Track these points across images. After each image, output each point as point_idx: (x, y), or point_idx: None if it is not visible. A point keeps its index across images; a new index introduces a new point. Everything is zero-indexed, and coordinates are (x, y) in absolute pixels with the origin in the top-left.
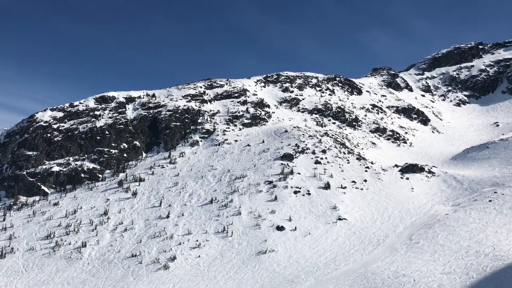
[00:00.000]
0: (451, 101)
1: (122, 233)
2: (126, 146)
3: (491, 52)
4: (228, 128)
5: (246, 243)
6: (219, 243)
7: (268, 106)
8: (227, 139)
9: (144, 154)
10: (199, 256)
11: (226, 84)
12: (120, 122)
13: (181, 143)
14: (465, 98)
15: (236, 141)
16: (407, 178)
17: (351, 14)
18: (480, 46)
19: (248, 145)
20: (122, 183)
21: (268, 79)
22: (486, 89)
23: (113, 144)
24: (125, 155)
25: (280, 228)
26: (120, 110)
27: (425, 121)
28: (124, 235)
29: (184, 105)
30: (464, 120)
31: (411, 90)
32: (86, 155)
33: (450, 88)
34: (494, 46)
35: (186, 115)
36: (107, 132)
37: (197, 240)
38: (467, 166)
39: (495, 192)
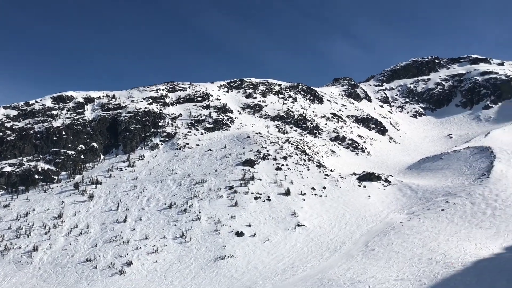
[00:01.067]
0: (408, 112)
1: (76, 236)
2: (83, 147)
3: (447, 67)
4: (190, 132)
5: (204, 248)
6: (177, 248)
7: (231, 111)
8: (188, 143)
9: (102, 156)
10: (156, 261)
11: (189, 87)
12: (78, 122)
13: (140, 146)
14: (421, 110)
15: (197, 145)
16: (365, 186)
17: (315, 23)
18: (436, 61)
19: (210, 149)
20: (78, 186)
21: (232, 84)
22: (441, 102)
23: (70, 145)
24: (82, 156)
25: (239, 234)
26: (78, 110)
27: (383, 131)
28: (78, 239)
29: (145, 108)
30: (420, 131)
31: (370, 100)
32: (41, 156)
33: (407, 100)
34: (449, 61)
35: (147, 117)
36: (64, 133)
37: (154, 245)
38: (422, 176)
39: (447, 202)
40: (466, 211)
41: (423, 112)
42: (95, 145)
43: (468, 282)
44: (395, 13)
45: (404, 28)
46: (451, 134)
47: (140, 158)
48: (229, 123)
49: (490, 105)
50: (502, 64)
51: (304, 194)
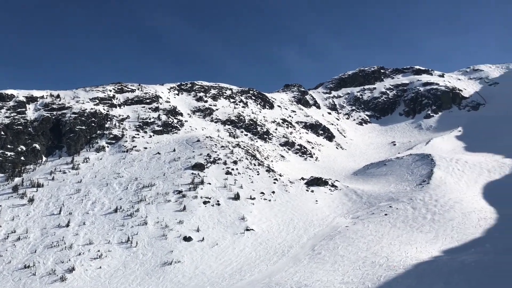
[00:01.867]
0: (354, 119)
1: (14, 242)
2: (24, 148)
3: (391, 77)
4: (138, 134)
5: (151, 254)
6: (123, 253)
7: (181, 114)
8: (136, 146)
9: (44, 158)
10: (100, 267)
11: (138, 89)
12: (19, 122)
13: (86, 148)
14: (367, 117)
15: (145, 148)
16: (312, 191)
17: (269, 30)
18: (382, 71)
19: (158, 153)
20: (18, 188)
21: (182, 87)
22: (385, 111)
23: (9, 146)
24: (22, 158)
25: (187, 239)
26: (19, 109)
27: (330, 137)
28: (16, 245)
29: (91, 108)
30: (365, 138)
31: (319, 107)
32: None
33: (354, 107)
34: (394, 71)
35: (93, 118)
36: (2, 133)
37: (98, 251)
38: (367, 181)
39: (390, 207)
40: (408, 216)
41: (368, 120)
42: (37, 146)
43: (409, 284)
44: (345, 24)
45: (353, 38)
46: (394, 142)
47: (85, 161)
48: (178, 126)
49: (431, 114)
50: (442, 75)
51: (254, 198)
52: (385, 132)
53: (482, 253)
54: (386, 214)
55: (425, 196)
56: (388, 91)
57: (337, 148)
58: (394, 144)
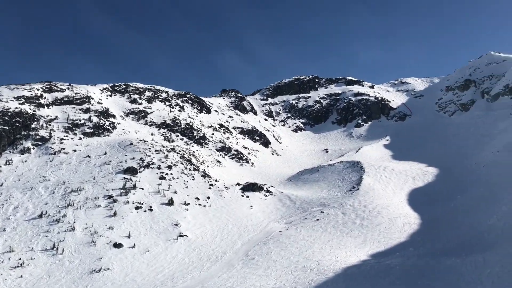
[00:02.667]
0: (289, 126)
1: None
2: None
3: (325, 86)
4: (67, 136)
5: (78, 261)
6: (47, 261)
7: (114, 116)
8: (64, 148)
9: None
10: (21, 276)
11: (68, 89)
12: None
13: (8, 150)
14: (302, 125)
15: (75, 151)
16: (247, 196)
17: (207, 34)
18: (316, 80)
19: (88, 156)
20: None
21: (116, 88)
22: (319, 119)
23: None
24: None
25: (117, 245)
26: None
27: (266, 143)
28: None
29: (16, 108)
30: (300, 145)
31: (255, 113)
32: None
33: (289, 115)
34: (328, 81)
35: (18, 118)
36: None
37: (20, 259)
38: (300, 187)
39: (322, 212)
40: (338, 221)
41: (303, 127)
42: None
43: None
44: (283, 31)
45: (290, 46)
46: (327, 149)
47: (8, 163)
48: (111, 129)
49: (361, 123)
50: (372, 87)
51: (188, 204)
52: (319, 139)
53: (406, 256)
54: (318, 219)
55: (355, 202)
56: (322, 100)
57: (272, 154)
58: (327, 151)
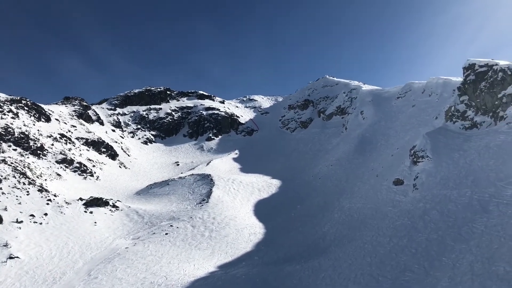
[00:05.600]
0: (139, 138)
1: None
2: None
3: (177, 99)
4: None
5: None
6: None
7: None
8: None
9: None
10: None
11: None
12: None
13: None
14: (153, 137)
15: None
16: (91, 212)
17: (46, 35)
18: (168, 92)
19: None
20: None
21: None
22: (171, 131)
23: None
24: None
25: None
26: None
27: (113, 155)
28: None
29: None
30: (150, 157)
31: (102, 124)
32: None
33: (139, 126)
34: (180, 94)
35: None
36: None
37: None
38: (149, 201)
39: (171, 226)
40: (187, 234)
41: (153, 140)
42: None
43: None
44: (134, 40)
45: (141, 55)
46: (178, 162)
47: None
48: None
49: (212, 137)
50: (223, 102)
51: (21, 221)
52: (170, 152)
53: (251, 265)
54: (166, 234)
55: (204, 214)
56: (173, 113)
57: (120, 167)
58: (178, 164)
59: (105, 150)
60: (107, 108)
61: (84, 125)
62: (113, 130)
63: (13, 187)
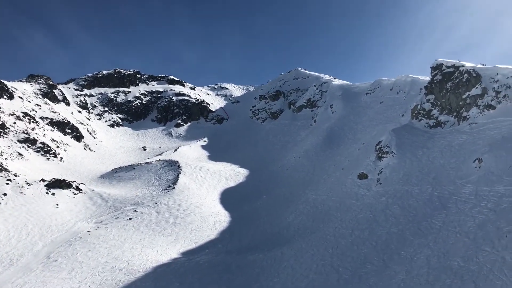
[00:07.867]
0: (106, 121)
1: None
2: None
3: (147, 83)
4: None
5: None
6: None
7: None
8: None
9: None
10: None
11: None
12: None
13: None
14: (120, 120)
15: None
16: (53, 194)
17: (9, 8)
18: (138, 75)
19: None
20: None
21: None
22: (139, 115)
23: None
24: None
25: None
26: None
27: (78, 137)
28: None
29: None
30: (116, 141)
31: (68, 104)
32: None
33: (107, 108)
34: (150, 78)
35: None
36: None
37: None
38: (114, 185)
39: (135, 211)
40: (151, 220)
41: (121, 123)
42: None
43: (146, 287)
44: (103, 17)
45: (111, 34)
46: (145, 147)
47: None
48: None
49: (181, 123)
50: (193, 88)
51: None
52: (137, 136)
53: (215, 253)
54: (130, 219)
55: (170, 201)
56: (142, 97)
57: (85, 149)
58: (145, 149)
59: (70, 131)
60: (74, 89)
61: (49, 105)
62: (79, 112)
63: None
